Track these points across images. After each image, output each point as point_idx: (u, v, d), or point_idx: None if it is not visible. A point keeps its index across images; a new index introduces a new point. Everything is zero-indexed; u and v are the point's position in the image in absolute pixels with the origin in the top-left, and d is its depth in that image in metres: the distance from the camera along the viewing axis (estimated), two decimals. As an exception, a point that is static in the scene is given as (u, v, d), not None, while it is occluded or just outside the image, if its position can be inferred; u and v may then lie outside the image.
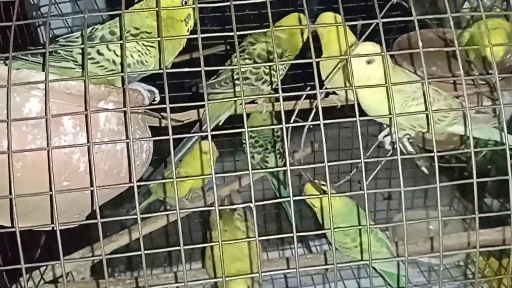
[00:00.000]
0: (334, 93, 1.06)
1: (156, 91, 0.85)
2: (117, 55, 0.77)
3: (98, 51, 0.77)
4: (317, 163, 0.59)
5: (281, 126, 0.56)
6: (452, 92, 1.00)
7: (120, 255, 0.67)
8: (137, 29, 0.79)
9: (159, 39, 0.58)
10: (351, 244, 0.98)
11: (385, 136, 0.93)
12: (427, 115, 0.80)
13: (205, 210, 1.28)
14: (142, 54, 0.79)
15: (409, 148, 0.92)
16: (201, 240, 1.57)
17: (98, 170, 0.70)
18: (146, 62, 0.80)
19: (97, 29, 0.79)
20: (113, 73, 0.77)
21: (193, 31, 0.59)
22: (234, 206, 0.60)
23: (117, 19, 0.79)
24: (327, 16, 1.04)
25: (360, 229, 0.95)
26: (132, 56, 0.79)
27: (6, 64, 0.67)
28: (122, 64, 0.78)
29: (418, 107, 0.84)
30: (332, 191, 1.00)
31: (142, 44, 0.79)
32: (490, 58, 0.89)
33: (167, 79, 0.57)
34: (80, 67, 0.76)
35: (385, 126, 0.94)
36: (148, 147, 0.81)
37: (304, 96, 0.90)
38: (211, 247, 1.03)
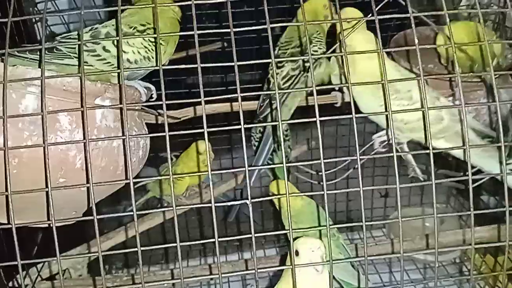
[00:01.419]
0: (340, 90, 1.07)
1: (153, 88, 0.85)
2: (124, 52, 0.78)
3: (104, 48, 0.78)
4: (314, 160, 0.59)
5: (277, 122, 0.56)
6: (448, 89, 1.00)
7: (117, 252, 0.67)
8: (143, 25, 0.80)
9: (155, 35, 0.58)
10: None
11: (378, 136, 0.91)
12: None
13: (202, 207, 1.29)
14: (149, 50, 0.80)
15: (405, 148, 0.90)
16: (198, 237, 1.58)
17: (94, 167, 0.70)
18: (152, 58, 0.80)
19: (96, 28, 0.79)
20: (113, 70, 0.77)
21: (190, 28, 0.58)
22: (229, 203, 0.60)
23: (122, 15, 0.79)
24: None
25: (320, 232, 0.89)
26: (139, 52, 0.79)
27: (2, 61, 0.67)
28: (128, 61, 0.79)
29: (399, 107, 0.81)
30: (295, 190, 1.00)
31: (149, 40, 0.80)
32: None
33: (164, 76, 0.57)
34: (84, 64, 0.76)
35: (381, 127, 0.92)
36: (144, 144, 0.81)
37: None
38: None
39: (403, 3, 0.84)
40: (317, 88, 0.58)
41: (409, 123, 0.84)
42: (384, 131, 0.90)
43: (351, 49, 0.86)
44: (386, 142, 0.90)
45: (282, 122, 0.57)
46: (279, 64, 1.07)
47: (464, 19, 1.14)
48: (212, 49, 1.34)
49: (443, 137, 0.85)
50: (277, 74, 1.07)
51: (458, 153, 0.87)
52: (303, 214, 0.96)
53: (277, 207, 1.02)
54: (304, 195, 0.99)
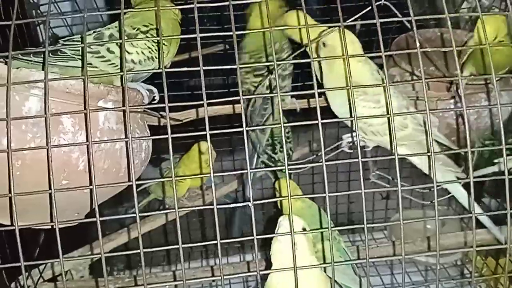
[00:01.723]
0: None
1: (155, 90, 0.85)
2: (128, 53, 0.78)
3: (108, 49, 0.78)
4: (315, 163, 0.59)
5: (279, 125, 0.57)
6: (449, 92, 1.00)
7: (119, 254, 0.67)
8: (146, 26, 0.81)
9: (158, 38, 0.58)
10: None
11: (347, 137, 0.91)
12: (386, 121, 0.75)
13: (203, 209, 1.29)
14: (152, 50, 0.80)
15: (368, 155, 0.89)
16: (200, 239, 1.58)
17: (97, 169, 0.70)
18: (156, 58, 0.81)
19: (99, 31, 0.80)
20: (117, 73, 0.77)
21: (192, 31, 0.59)
22: (232, 205, 0.60)
23: (125, 17, 0.80)
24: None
25: (322, 235, 0.88)
26: (143, 53, 0.80)
27: (6, 63, 0.67)
28: (133, 61, 0.79)
29: (364, 109, 0.81)
30: (298, 192, 1.00)
31: (152, 41, 0.80)
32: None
33: (166, 78, 0.57)
34: (89, 65, 0.77)
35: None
36: (147, 146, 0.81)
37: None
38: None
39: (395, 10, 0.84)
40: (319, 90, 0.58)
41: (372, 125, 0.84)
42: (354, 133, 0.90)
43: (331, 49, 0.86)
44: (351, 143, 0.90)
45: (285, 125, 0.57)
46: (257, 73, 1.07)
47: (465, 22, 1.15)
48: (214, 52, 1.34)
49: (405, 144, 0.85)
50: (259, 84, 1.07)
51: (419, 164, 0.88)
52: (303, 217, 0.95)
53: (279, 207, 1.02)
54: (306, 197, 0.99)
